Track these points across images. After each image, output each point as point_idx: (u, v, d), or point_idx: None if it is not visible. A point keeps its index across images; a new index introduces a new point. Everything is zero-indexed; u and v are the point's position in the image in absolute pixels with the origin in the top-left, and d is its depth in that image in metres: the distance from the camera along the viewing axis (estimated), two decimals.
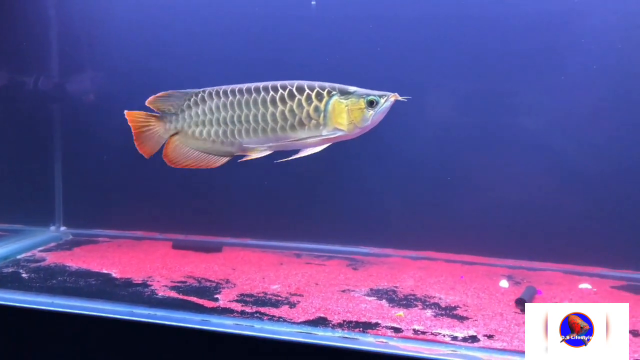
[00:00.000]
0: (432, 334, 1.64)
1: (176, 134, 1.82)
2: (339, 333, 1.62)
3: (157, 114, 1.84)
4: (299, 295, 1.98)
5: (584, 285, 2.17)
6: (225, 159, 1.80)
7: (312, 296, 1.96)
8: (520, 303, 1.90)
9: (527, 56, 2.37)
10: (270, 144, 1.71)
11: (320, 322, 1.72)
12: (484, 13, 2.41)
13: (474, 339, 1.61)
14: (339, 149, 2.58)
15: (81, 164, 2.93)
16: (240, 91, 1.71)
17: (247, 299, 1.92)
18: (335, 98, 1.61)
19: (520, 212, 2.45)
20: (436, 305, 1.91)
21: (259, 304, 1.87)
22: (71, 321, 1.75)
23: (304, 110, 1.62)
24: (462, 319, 1.78)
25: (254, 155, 1.74)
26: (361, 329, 1.67)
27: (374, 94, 1.61)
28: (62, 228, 2.94)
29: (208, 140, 1.77)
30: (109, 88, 2.82)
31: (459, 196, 2.52)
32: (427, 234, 2.57)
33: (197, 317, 1.72)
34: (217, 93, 1.75)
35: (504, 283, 2.17)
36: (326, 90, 1.62)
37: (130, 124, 1.85)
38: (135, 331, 1.71)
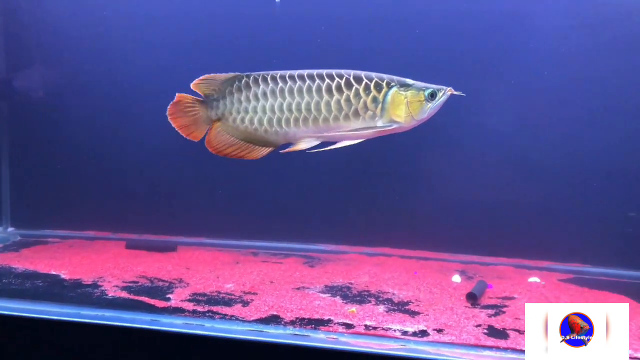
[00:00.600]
0: (383, 329, 1.66)
1: (219, 119, 1.70)
2: (290, 330, 1.62)
3: (202, 98, 1.72)
4: (253, 293, 1.97)
5: (533, 279, 2.23)
6: (268, 150, 1.70)
7: (266, 294, 1.95)
8: (471, 297, 1.94)
9: (483, 55, 2.42)
10: (319, 135, 1.62)
11: (273, 320, 1.71)
12: (437, 13, 2.44)
13: (424, 333, 1.63)
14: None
15: (29, 163, 2.84)
16: (292, 77, 1.59)
17: (200, 298, 1.90)
18: (394, 89, 1.55)
19: (473, 208, 2.49)
20: (389, 300, 1.93)
21: (212, 303, 1.85)
22: (15, 324, 1.70)
23: (361, 101, 1.55)
24: (413, 313, 1.80)
25: (300, 147, 1.64)
26: (313, 325, 1.67)
27: (432, 86, 1.57)
28: (10, 229, 2.85)
29: (251, 128, 1.65)
30: (57, 86, 2.74)
31: (414, 193, 2.55)
32: (383, 231, 2.60)
33: (147, 317, 1.69)
34: (265, 78, 1.62)
35: (457, 278, 2.21)
36: (385, 81, 1.56)
37: (176, 107, 1.71)
38: (83, 333, 1.67)
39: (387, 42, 2.47)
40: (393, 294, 2.01)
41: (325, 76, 1.57)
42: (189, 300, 1.87)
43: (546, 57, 2.35)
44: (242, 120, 1.65)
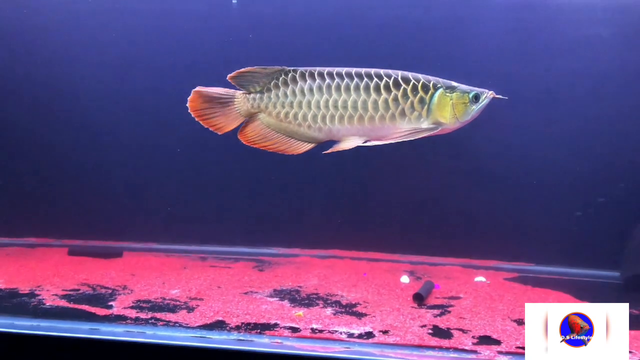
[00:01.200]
0: (329, 332, 1.65)
1: (257, 113, 1.64)
2: (234, 336, 1.59)
3: (239, 90, 1.65)
4: (199, 299, 1.93)
5: (479, 279, 2.27)
6: (308, 146, 1.63)
7: (213, 300, 1.92)
8: (418, 298, 1.96)
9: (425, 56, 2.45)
10: (363, 134, 1.59)
11: (218, 325, 1.68)
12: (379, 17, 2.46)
13: (369, 335, 1.64)
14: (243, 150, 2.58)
15: None
16: (339, 74, 1.56)
17: (144, 305, 1.85)
18: (440, 91, 1.54)
19: (422, 209, 2.52)
20: (337, 303, 1.93)
21: (156, 309, 1.81)
22: None
23: (409, 101, 1.53)
24: (360, 315, 1.80)
25: (344, 146, 1.60)
26: (259, 330, 1.65)
27: (476, 89, 1.57)
28: None
29: (293, 124, 1.60)
30: None
31: (364, 195, 2.57)
32: (334, 233, 2.60)
33: (86, 327, 1.63)
34: (311, 74, 1.58)
35: (405, 279, 2.23)
36: (431, 82, 1.55)
37: (201, 97, 1.64)
38: (17, 344, 1.60)
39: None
40: (341, 296, 2.01)
41: (373, 75, 1.55)
42: (132, 308, 1.82)
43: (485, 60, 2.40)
44: (287, 114, 1.60)
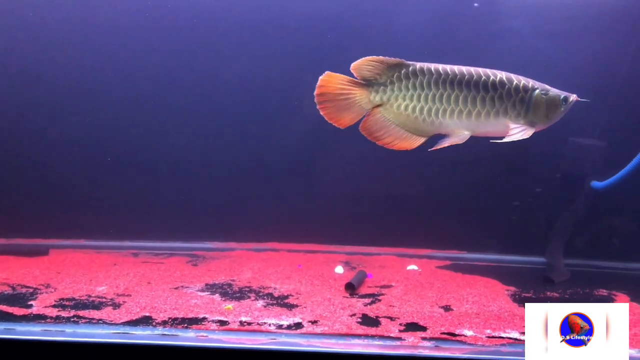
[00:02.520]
0: (258, 324, 1.64)
1: (379, 106, 1.63)
2: (159, 331, 1.56)
3: (361, 82, 1.62)
4: (127, 295, 1.88)
5: (411, 267, 2.31)
6: (420, 140, 1.64)
7: (141, 295, 1.87)
8: (349, 287, 1.98)
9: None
10: (468, 128, 1.61)
11: (143, 321, 1.64)
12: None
13: (298, 325, 1.64)
14: (180, 143, 2.53)
15: None
16: (452, 70, 1.60)
17: (67, 303, 1.78)
18: (537, 92, 1.60)
19: (357, 201, 2.54)
20: (269, 295, 1.92)
21: (79, 307, 1.75)
22: None
23: (511, 100, 1.59)
24: (291, 307, 1.80)
25: (454, 140, 1.61)
26: (186, 325, 1.62)
27: (564, 93, 1.63)
28: None
29: (411, 116, 1.62)
30: None
31: (299, 187, 2.56)
32: (270, 226, 2.58)
33: (0, 327, 1.56)
34: (429, 69, 1.60)
35: (339, 269, 2.25)
36: (530, 84, 1.62)
37: (322, 89, 1.61)
38: None
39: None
40: (274, 288, 2.00)
41: (482, 73, 1.61)
42: (54, 306, 1.75)
43: None
44: (406, 107, 1.62)
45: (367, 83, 1.63)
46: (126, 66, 2.48)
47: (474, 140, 2.41)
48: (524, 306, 1.81)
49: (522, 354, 1.45)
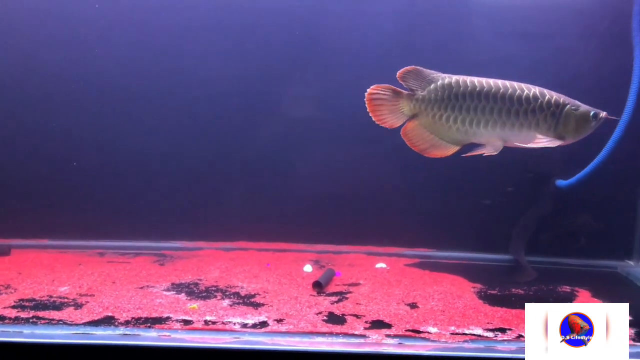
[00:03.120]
0: (222, 323, 1.63)
1: (417, 113, 1.72)
2: (120, 331, 1.54)
3: (403, 91, 1.72)
4: (90, 295, 1.84)
5: (380, 265, 2.32)
6: (454, 149, 1.73)
7: (104, 295, 1.84)
8: (317, 286, 1.97)
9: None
10: (502, 139, 1.68)
11: (105, 321, 1.61)
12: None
13: (263, 324, 1.63)
14: (147, 142, 2.49)
15: None
16: (488, 83, 1.68)
17: (27, 304, 1.74)
18: (568, 107, 1.66)
19: (328, 200, 2.53)
20: (236, 294, 1.91)
21: (40, 308, 1.71)
22: None
23: (543, 114, 1.65)
24: (257, 305, 1.79)
25: (488, 149, 1.69)
26: (149, 324, 1.60)
27: (595, 110, 1.69)
28: None
29: (445, 125, 1.70)
30: None
31: (269, 186, 2.55)
32: (240, 225, 2.56)
33: None
34: (464, 81, 1.69)
35: (308, 268, 2.24)
36: (562, 99, 1.68)
37: (372, 95, 1.72)
38: None
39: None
40: (242, 287, 1.99)
41: (516, 86, 1.68)
42: (13, 307, 1.70)
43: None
44: (441, 116, 1.70)
45: (409, 92, 1.73)
46: (86, 62, 2.44)
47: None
48: (488, 303, 1.86)
49: (484, 350, 1.48)
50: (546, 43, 2.25)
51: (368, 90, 1.73)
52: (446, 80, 1.71)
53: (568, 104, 1.68)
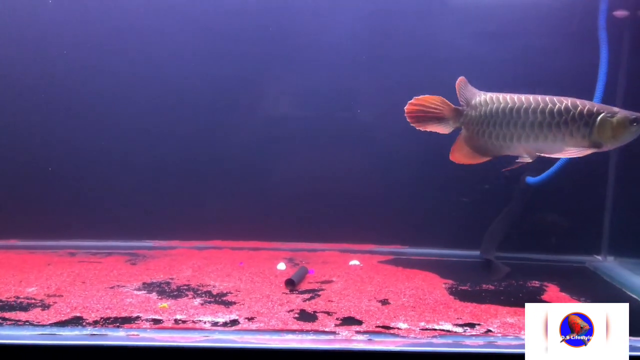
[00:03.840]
0: (192, 322, 1.62)
1: (460, 127, 1.82)
2: (88, 331, 1.52)
3: (450, 105, 1.80)
4: (58, 296, 1.82)
5: (353, 262, 2.33)
6: (486, 159, 1.82)
7: (73, 296, 1.81)
8: (290, 283, 1.97)
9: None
10: (538, 150, 1.73)
11: (73, 322, 1.59)
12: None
13: (234, 322, 1.62)
14: (120, 140, 2.47)
15: None
16: (520, 99, 1.74)
17: None
18: (602, 115, 1.68)
19: (302, 198, 2.54)
20: (208, 293, 1.90)
21: (6, 309, 1.68)
22: None
23: (576, 124, 1.68)
24: (229, 304, 1.79)
25: (525, 159, 1.76)
26: (118, 324, 1.58)
27: (636, 114, 1.69)
28: None
29: (482, 140, 1.78)
30: None
31: (244, 185, 2.55)
32: (213, 224, 2.56)
33: None
34: (498, 98, 1.76)
35: (282, 265, 2.24)
36: (595, 108, 1.69)
37: (420, 101, 1.78)
38: None
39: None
40: (214, 286, 1.98)
41: (548, 100, 1.72)
42: None
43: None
44: (477, 132, 1.78)
45: (457, 107, 1.81)
46: (53, 62, 2.41)
47: (415, 138, 2.47)
48: (459, 299, 1.88)
49: (452, 345, 1.49)
50: (514, 42, 2.28)
51: (417, 98, 1.78)
52: (482, 98, 1.78)
53: (603, 112, 1.70)
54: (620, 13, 2.24)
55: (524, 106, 1.73)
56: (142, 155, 2.50)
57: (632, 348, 1.33)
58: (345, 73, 2.46)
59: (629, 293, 2.05)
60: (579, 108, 1.71)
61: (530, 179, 2.29)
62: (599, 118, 1.69)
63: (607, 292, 2.07)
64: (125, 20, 2.41)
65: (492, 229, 2.38)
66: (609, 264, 2.41)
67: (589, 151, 1.70)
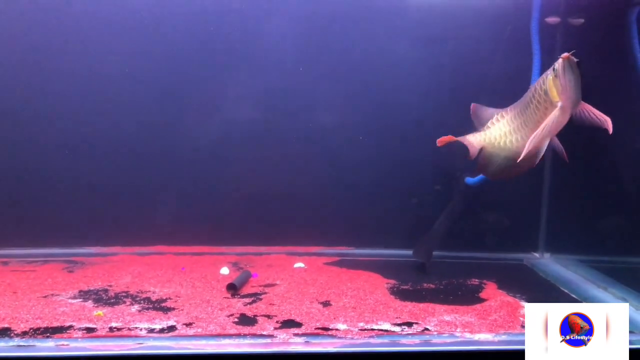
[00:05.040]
0: (128, 329, 1.58)
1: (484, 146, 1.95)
2: (14, 342, 1.46)
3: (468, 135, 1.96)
4: None
5: (298, 264, 2.33)
6: (517, 172, 1.91)
7: (2, 306, 1.72)
8: (231, 288, 1.95)
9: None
10: (543, 137, 1.71)
11: (0, 333, 1.53)
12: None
13: (171, 328, 1.59)
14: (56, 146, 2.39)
15: None
16: (516, 106, 1.84)
17: None
18: (550, 76, 1.62)
19: (246, 201, 2.53)
20: (147, 299, 1.86)
21: None
22: None
23: (542, 97, 1.68)
24: (167, 310, 1.75)
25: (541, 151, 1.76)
26: (48, 334, 1.53)
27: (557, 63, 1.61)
28: None
29: (502, 147, 1.90)
30: None
31: (187, 189, 2.51)
32: (156, 228, 2.51)
33: None
34: (505, 111, 1.89)
35: (225, 270, 2.22)
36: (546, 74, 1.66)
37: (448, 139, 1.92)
38: None
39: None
40: (153, 292, 1.94)
41: (527, 93, 1.78)
42: None
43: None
44: (498, 142, 1.91)
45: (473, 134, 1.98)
46: None
47: (361, 140, 2.51)
48: (399, 298, 1.91)
49: (389, 345, 1.51)
50: (446, 47, 2.34)
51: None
52: (500, 114, 1.91)
53: (548, 74, 1.67)
54: (552, 19, 2.33)
55: (518, 109, 1.83)
56: (82, 158, 2.43)
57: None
58: (289, 76, 2.46)
59: (561, 288, 2.13)
60: (541, 80, 1.71)
61: (469, 180, 2.35)
62: (547, 80, 1.66)
63: (541, 288, 2.14)
64: (79, 20, 2.35)
65: (433, 232, 2.42)
66: (545, 261, 2.50)
67: (556, 115, 1.64)
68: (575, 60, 1.57)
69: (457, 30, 2.36)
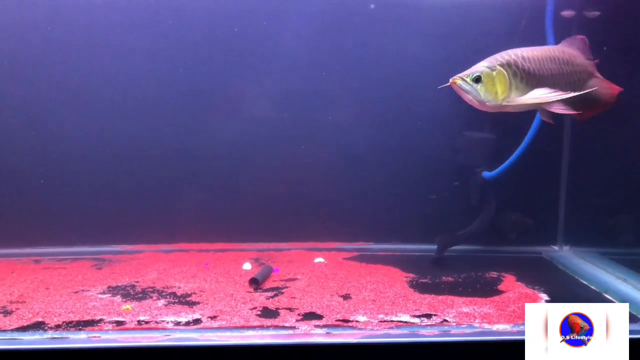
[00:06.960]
0: (155, 322, 1.64)
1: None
2: (49, 335, 1.53)
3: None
4: (21, 302, 1.82)
5: (319, 260, 2.37)
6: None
7: (36, 301, 1.82)
8: (254, 282, 2.01)
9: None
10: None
11: (35, 326, 1.60)
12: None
13: (197, 321, 1.65)
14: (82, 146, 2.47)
15: None
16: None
17: None
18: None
19: (268, 198, 2.58)
20: (172, 294, 1.92)
21: None
22: None
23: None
24: (192, 304, 1.81)
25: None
26: (80, 327, 1.60)
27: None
28: None
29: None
30: None
31: (210, 187, 2.57)
32: (180, 226, 2.57)
33: None
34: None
35: (247, 265, 2.27)
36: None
37: None
38: None
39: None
40: (178, 287, 2.00)
41: None
42: None
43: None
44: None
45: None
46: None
47: (380, 136, 2.54)
48: (418, 291, 1.94)
49: (408, 335, 1.54)
50: (464, 42, 2.36)
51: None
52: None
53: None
54: (567, 13, 2.33)
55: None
56: (108, 160, 2.50)
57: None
58: (308, 74, 2.50)
59: (581, 280, 2.14)
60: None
61: (486, 174, 2.37)
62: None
63: (560, 280, 2.16)
64: (85, 21, 2.41)
65: (466, 232, 2.44)
66: (564, 254, 2.50)
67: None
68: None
69: (472, 26, 2.37)
